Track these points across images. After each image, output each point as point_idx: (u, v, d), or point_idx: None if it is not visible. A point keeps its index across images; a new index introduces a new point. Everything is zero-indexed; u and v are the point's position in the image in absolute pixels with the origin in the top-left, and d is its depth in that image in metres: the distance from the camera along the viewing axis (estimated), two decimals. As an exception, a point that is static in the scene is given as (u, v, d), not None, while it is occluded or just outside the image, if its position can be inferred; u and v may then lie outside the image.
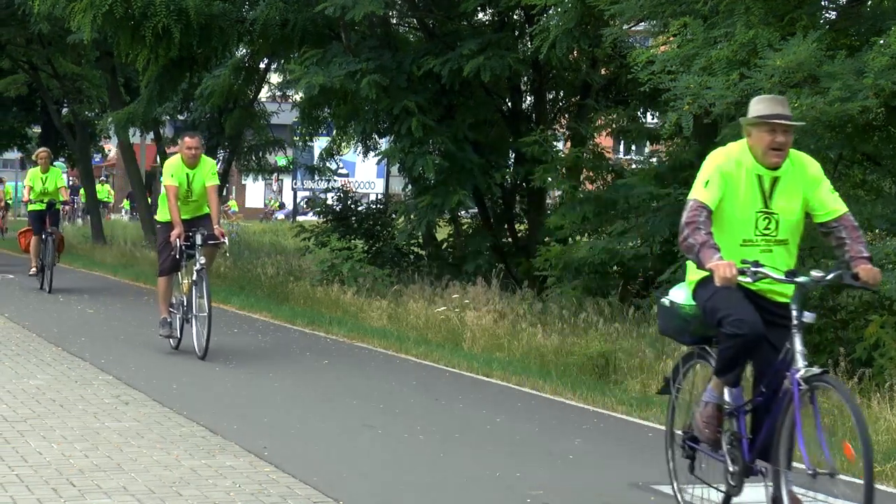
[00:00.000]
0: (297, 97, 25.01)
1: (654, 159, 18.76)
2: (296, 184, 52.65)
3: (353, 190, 28.18)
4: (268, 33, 20.74)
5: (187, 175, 13.59)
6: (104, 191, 57.69)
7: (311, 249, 22.94)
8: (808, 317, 6.31)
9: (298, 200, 56.47)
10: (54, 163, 21.56)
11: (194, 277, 13.23)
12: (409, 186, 21.76)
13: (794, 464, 6.58)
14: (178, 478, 7.63)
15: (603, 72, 20.78)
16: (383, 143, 23.16)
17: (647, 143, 21.79)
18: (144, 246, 28.38)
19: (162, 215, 13.83)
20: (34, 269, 20.28)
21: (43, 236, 19.77)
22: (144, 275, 22.08)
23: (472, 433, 9.47)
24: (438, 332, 15.35)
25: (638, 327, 13.86)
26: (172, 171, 13.61)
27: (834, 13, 13.87)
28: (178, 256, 13.45)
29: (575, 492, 7.66)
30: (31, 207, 20.32)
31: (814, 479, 6.27)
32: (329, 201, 24.30)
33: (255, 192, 73.80)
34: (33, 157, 21.38)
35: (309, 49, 20.17)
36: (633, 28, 16.64)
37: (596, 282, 16.46)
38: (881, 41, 11.01)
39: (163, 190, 13.94)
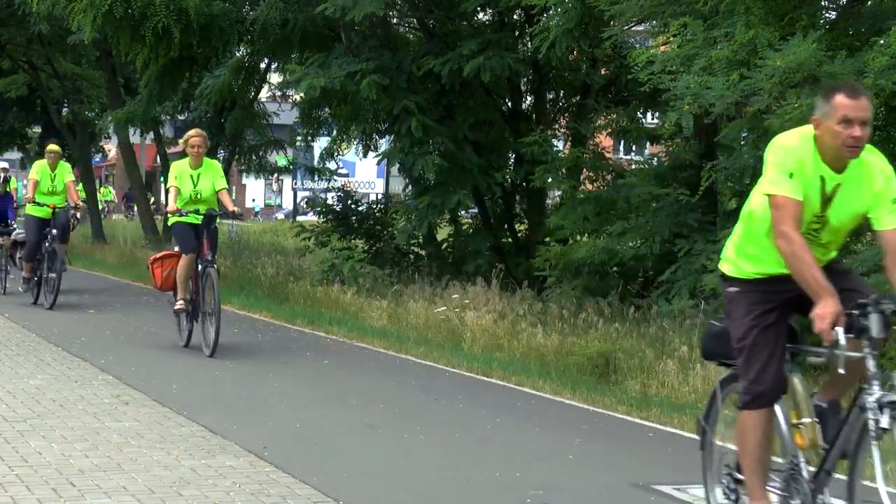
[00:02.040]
0: (298, 97, 25.01)
1: (655, 160, 18.77)
2: (296, 184, 52.66)
3: (354, 190, 28.15)
4: (268, 33, 20.75)
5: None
6: (108, 192, 57.77)
7: (312, 249, 22.94)
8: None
9: (299, 200, 56.48)
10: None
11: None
12: (409, 187, 21.76)
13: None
14: (178, 478, 7.63)
15: (603, 72, 20.78)
16: (383, 144, 23.16)
17: (647, 143, 21.79)
18: (145, 246, 28.38)
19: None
20: (180, 303, 13.79)
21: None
22: (145, 275, 22.01)
23: (472, 433, 9.47)
24: (438, 332, 15.35)
25: (638, 327, 13.87)
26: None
27: (834, 13, 13.87)
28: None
29: (575, 492, 7.67)
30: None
31: None
32: (329, 201, 24.30)
33: (255, 192, 73.83)
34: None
35: (311, 53, 20.20)
36: (633, 28, 16.65)
37: (596, 282, 16.46)
38: (881, 41, 11.01)
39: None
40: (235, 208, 13.80)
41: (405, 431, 9.42)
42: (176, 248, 13.80)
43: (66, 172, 18.00)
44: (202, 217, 13.43)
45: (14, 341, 13.95)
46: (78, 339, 14.18)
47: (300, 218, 45.74)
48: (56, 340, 14.02)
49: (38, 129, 43.24)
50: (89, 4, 19.92)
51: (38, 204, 17.31)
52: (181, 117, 33.31)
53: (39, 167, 17.82)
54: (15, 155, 45.07)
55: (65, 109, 38.97)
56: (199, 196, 13.49)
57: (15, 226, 18.84)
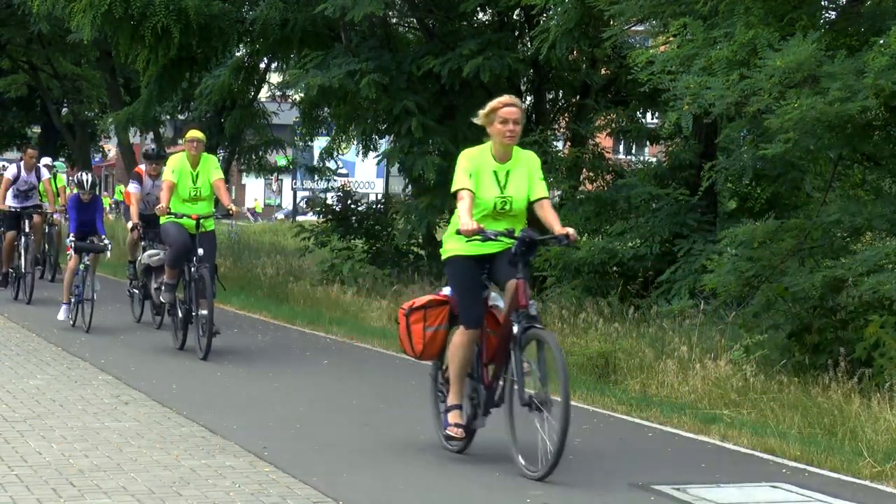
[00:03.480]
0: (297, 97, 25.02)
1: (654, 160, 18.78)
2: (295, 184, 52.67)
3: (353, 190, 28.15)
4: (267, 33, 20.75)
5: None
6: (118, 191, 57.80)
7: (311, 249, 22.94)
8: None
9: (298, 200, 56.49)
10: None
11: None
12: (409, 187, 21.75)
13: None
14: (178, 478, 7.63)
15: (603, 72, 20.78)
16: (383, 144, 23.16)
17: (647, 143, 21.80)
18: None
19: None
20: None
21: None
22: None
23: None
24: (438, 332, 15.32)
25: (638, 327, 13.86)
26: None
27: (834, 13, 13.87)
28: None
29: (575, 491, 7.66)
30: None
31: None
32: (329, 201, 24.30)
33: (254, 192, 73.85)
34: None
35: (309, 52, 20.18)
36: (632, 28, 16.65)
37: (595, 282, 16.47)
38: (881, 41, 11.01)
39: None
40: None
41: (405, 431, 9.42)
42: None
43: (212, 168, 13.40)
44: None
45: (14, 341, 13.95)
46: (77, 338, 14.18)
47: (300, 218, 45.78)
48: (56, 340, 14.03)
49: (37, 129, 43.29)
50: (89, 4, 19.93)
51: (177, 215, 13.09)
52: (181, 117, 33.31)
53: (177, 164, 13.32)
54: (15, 155, 45.06)
55: (64, 109, 39.00)
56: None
57: (106, 241, 15.59)
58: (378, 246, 22.39)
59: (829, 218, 12.16)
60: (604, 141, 21.37)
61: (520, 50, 19.95)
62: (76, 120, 37.69)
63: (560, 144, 21.64)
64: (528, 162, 8.35)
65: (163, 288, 13.66)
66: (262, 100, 32.62)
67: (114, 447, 8.46)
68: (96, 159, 54.00)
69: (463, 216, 8.04)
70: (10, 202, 18.67)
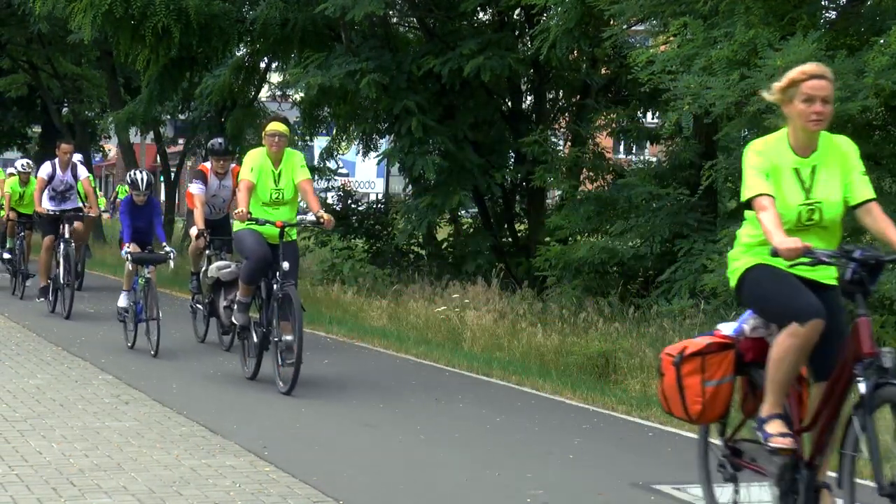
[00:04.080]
0: (298, 97, 25.02)
1: (655, 160, 18.78)
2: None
3: (354, 190, 28.15)
4: (268, 33, 20.76)
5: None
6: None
7: (312, 249, 22.94)
8: None
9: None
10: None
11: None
12: (410, 186, 21.76)
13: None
14: (179, 477, 7.63)
15: (603, 72, 20.78)
16: (383, 143, 23.16)
17: (647, 143, 21.80)
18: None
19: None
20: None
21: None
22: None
23: (471, 433, 9.47)
24: (438, 331, 15.35)
25: (638, 327, 13.86)
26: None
27: (834, 13, 13.88)
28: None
29: (575, 492, 7.66)
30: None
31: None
32: (329, 201, 24.30)
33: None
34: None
35: (311, 52, 20.18)
36: (633, 28, 16.66)
37: (596, 281, 16.47)
38: (881, 41, 11.02)
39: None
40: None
41: (405, 431, 9.42)
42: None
43: (297, 167, 11.30)
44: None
45: (14, 341, 13.95)
46: (78, 338, 14.18)
47: (300, 217, 45.73)
48: (56, 340, 14.03)
49: (38, 129, 43.27)
50: (89, 4, 19.94)
51: (257, 221, 11.07)
52: (181, 117, 33.32)
53: (255, 160, 11.18)
54: (16, 155, 45.09)
55: (65, 109, 38.99)
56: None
57: (167, 249, 13.40)
58: (378, 246, 22.40)
59: (829, 217, 12.15)
60: (604, 141, 21.37)
61: (520, 50, 19.95)
62: (76, 119, 37.68)
63: (560, 144, 21.65)
64: (841, 152, 6.10)
65: (235, 307, 11.57)
66: (263, 99, 32.60)
67: (114, 447, 8.46)
68: (97, 159, 54.00)
69: (774, 233, 5.69)
70: (47, 205, 16.87)
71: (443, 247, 21.67)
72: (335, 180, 28.63)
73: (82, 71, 37.16)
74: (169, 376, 11.68)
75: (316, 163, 29.21)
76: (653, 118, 22.74)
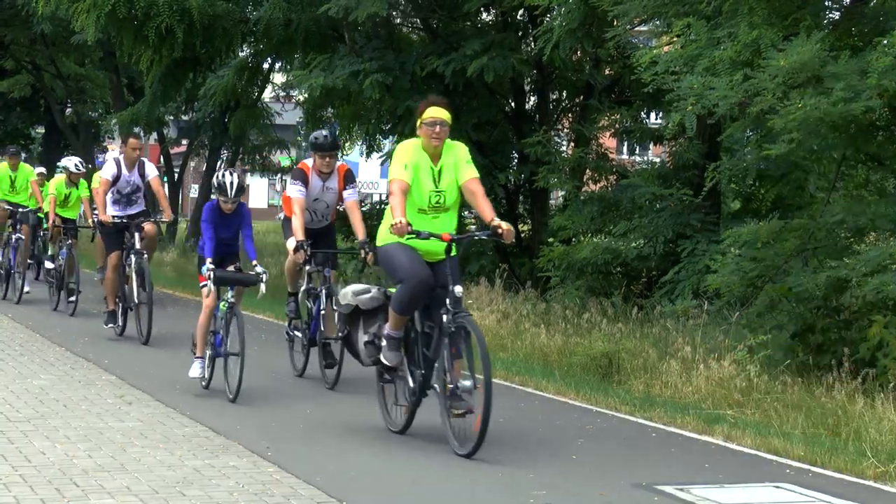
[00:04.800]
0: (301, 97, 25.03)
1: (658, 161, 18.78)
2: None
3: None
4: (271, 33, 20.75)
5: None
6: None
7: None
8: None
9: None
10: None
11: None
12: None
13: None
14: (182, 478, 7.63)
15: (606, 72, 20.77)
16: (387, 144, 23.17)
17: (651, 143, 21.78)
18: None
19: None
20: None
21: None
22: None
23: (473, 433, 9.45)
24: (441, 332, 15.33)
25: (641, 327, 13.86)
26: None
27: (837, 13, 13.87)
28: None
29: (578, 492, 7.66)
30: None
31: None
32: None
33: (258, 192, 73.82)
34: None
35: (314, 53, 20.18)
36: (636, 28, 16.65)
37: (599, 282, 16.46)
38: (885, 41, 11.00)
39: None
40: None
41: (407, 431, 9.41)
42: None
43: (461, 162, 9.00)
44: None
45: (18, 341, 13.96)
46: (81, 339, 14.18)
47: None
48: (59, 341, 14.03)
49: (41, 130, 43.33)
50: (92, 5, 19.93)
51: (419, 234, 8.65)
52: (184, 118, 33.35)
53: (409, 154, 8.86)
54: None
55: (68, 110, 39.04)
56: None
57: (259, 269, 10.62)
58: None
59: (832, 218, 12.17)
60: (607, 141, 21.35)
61: (523, 50, 19.95)
62: (80, 120, 37.73)
63: (564, 145, 21.64)
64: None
65: (384, 343, 9.01)
66: (266, 100, 32.64)
67: (117, 447, 8.47)
68: (99, 159, 54.09)
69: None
70: (111, 209, 14.40)
71: (446, 247, 21.65)
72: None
73: (86, 72, 37.20)
74: (172, 376, 11.68)
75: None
76: (656, 119, 22.72)
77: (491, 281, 17.06)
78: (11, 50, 36.15)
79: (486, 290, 16.57)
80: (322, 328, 11.50)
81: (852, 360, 10.93)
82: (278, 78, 31.09)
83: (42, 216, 18.91)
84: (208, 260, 10.57)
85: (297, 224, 11.18)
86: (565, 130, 22.05)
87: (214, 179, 10.91)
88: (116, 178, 14.32)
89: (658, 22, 14.76)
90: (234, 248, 11.11)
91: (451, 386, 8.63)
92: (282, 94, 32.40)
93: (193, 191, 43.59)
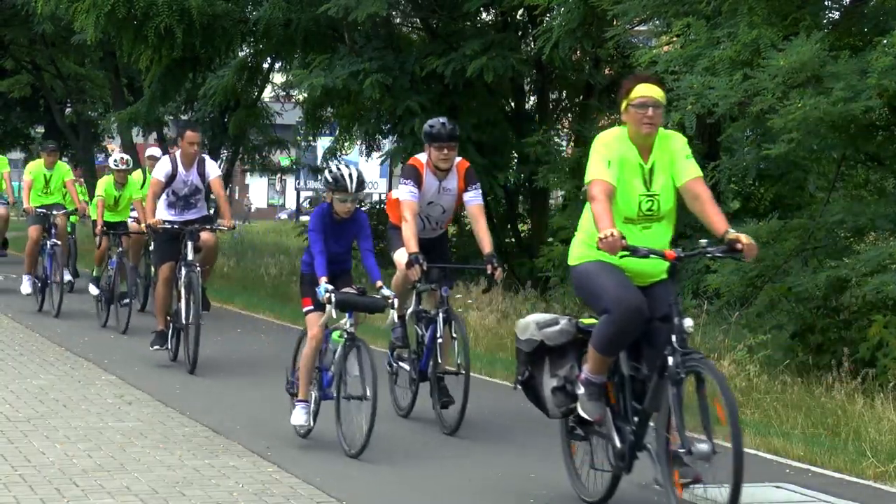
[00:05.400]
0: (301, 97, 25.03)
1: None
2: (299, 184, 52.72)
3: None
4: (271, 33, 20.76)
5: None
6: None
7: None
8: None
9: (301, 200, 56.53)
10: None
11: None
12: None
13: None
14: (182, 478, 7.63)
15: (606, 72, 20.78)
16: (386, 144, 23.17)
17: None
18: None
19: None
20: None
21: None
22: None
23: (475, 433, 9.46)
24: (441, 332, 15.32)
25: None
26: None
27: (837, 13, 13.87)
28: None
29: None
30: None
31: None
32: (332, 201, 24.30)
33: (258, 192, 73.85)
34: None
35: (314, 54, 20.18)
36: (636, 28, 16.65)
37: (598, 282, 16.43)
38: (885, 41, 11.00)
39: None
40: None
41: (408, 431, 9.41)
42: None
43: (678, 157, 6.79)
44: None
45: (17, 341, 13.95)
46: (81, 339, 14.18)
47: (304, 218, 45.81)
48: (59, 340, 14.03)
49: (41, 130, 43.31)
50: (92, 4, 19.93)
51: (635, 251, 6.88)
52: (184, 117, 33.35)
53: (612, 147, 6.99)
54: (18, 155, 45.15)
55: (68, 110, 39.03)
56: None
57: (386, 292, 8.77)
58: (381, 245, 22.36)
59: (832, 218, 12.16)
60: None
61: (523, 50, 19.96)
62: (80, 120, 37.71)
63: (563, 145, 21.65)
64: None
65: (581, 391, 7.20)
66: (266, 100, 32.65)
67: (117, 447, 8.47)
68: (99, 159, 54.08)
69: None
70: (165, 214, 12.52)
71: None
72: (338, 180, 28.65)
73: (85, 71, 37.18)
74: (172, 377, 11.68)
75: (319, 163, 29.36)
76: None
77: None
78: (11, 50, 36.13)
79: (485, 290, 16.57)
80: (438, 360, 9.51)
81: (852, 359, 10.93)
82: (278, 78, 31.08)
83: (76, 219, 18.24)
84: (323, 279, 8.44)
85: (409, 233, 9.30)
86: (565, 130, 22.07)
87: (327, 174, 8.76)
88: (171, 179, 12.42)
89: (658, 21, 14.75)
90: (347, 264, 9.04)
91: (677, 448, 6.71)
92: (281, 94, 32.38)
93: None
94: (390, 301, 8.65)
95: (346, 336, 8.56)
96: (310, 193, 52.13)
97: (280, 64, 26.22)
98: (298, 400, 8.88)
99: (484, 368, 12.87)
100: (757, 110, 11.52)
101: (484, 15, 21.30)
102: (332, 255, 8.65)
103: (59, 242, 16.59)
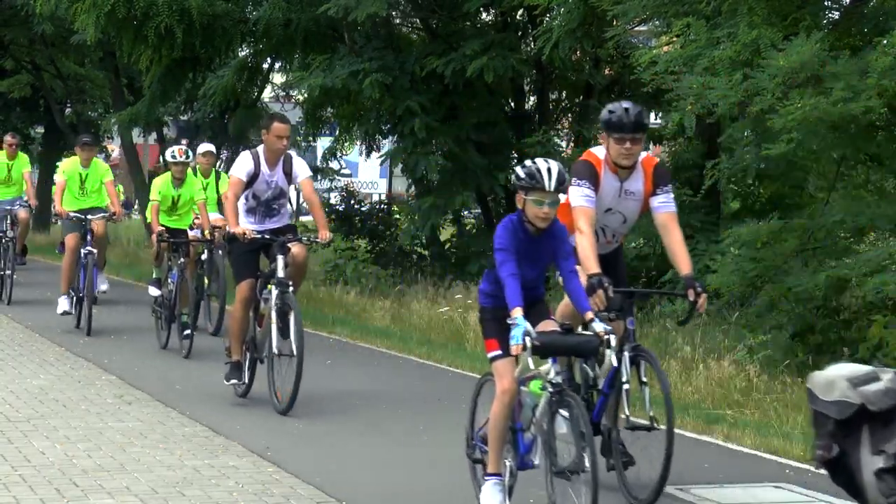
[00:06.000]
0: (301, 97, 25.04)
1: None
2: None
3: (357, 190, 28.17)
4: (271, 33, 20.75)
5: None
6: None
7: (314, 249, 22.93)
8: None
9: (301, 201, 56.47)
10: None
11: None
12: (413, 187, 21.77)
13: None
14: (182, 478, 7.63)
15: (606, 72, 20.78)
16: (386, 144, 23.18)
17: (651, 143, 21.79)
18: (147, 246, 28.34)
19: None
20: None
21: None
22: (147, 275, 22.04)
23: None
24: (441, 332, 15.35)
25: (641, 327, 13.83)
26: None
27: (837, 13, 13.87)
28: None
29: (578, 492, 7.64)
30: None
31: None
32: (332, 201, 24.30)
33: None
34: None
35: (314, 54, 20.19)
36: (635, 28, 16.65)
37: (599, 282, 16.42)
38: (884, 41, 11.01)
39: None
40: None
41: (408, 432, 9.42)
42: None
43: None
44: None
45: (17, 341, 13.95)
46: (81, 338, 14.17)
47: (303, 218, 45.79)
48: (59, 340, 14.02)
49: (41, 130, 43.30)
50: (92, 5, 19.93)
51: None
52: (184, 118, 33.36)
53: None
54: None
55: (68, 110, 39.02)
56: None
57: (600, 326, 6.50)
58: (381, 246, 22.39)
59: (832, 218, 12.17)
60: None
61: (523, 50, 19.96)
62: (80, 120, 37.69)
63: (563, 145, 21.64)
64: None
65: None
66: (266, 100, 32.65)
67: (117, 447, 8.47)
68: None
69: None
70: (247, 222, 10.33)
71: (446, 247, 21.66)
72: (338, 181, 28.69)
73: (85, 71, 37.17)
74: (172, 377, 11.68)
75: (319, 163, 29.36)
76: (656, 119, 22.73)
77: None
78: (11, 50, 36.11)
79: (485, 290, 16.57)
80: (624, 410, 7.42)
81: (852, 360, 10.93)
82: (278, 78, 31.08)
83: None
84: (517, 311, 6.30)
85: (588, 249, 7.34)
86: (565, 130, 22.06)
87: (518, 170, 6.68)
88: (253, 178, 10.31)
89: (657, 22, 14.76)
90: (539, 291, 6.89)
91: None
92: (281, 94, 32.38)
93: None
94: (605, 339, 6.41)
95: (550, 389, 6.46)
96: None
97: (280, 64, 26.20)
98: (489, 474, 6.84)
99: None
100: (757, 110, 11.52)
101: (484, 15, 21.29)
102: (524, 281, 6.58)
103: (94, 251, 14.77)
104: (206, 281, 14.39)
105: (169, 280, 13.65)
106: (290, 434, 9.18)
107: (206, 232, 13.97)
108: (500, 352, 6.63)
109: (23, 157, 18.63)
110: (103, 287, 15.86)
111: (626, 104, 7.62)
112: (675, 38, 13.16)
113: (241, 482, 7.56)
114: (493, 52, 18.54)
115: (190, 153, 14.51)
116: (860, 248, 12.84)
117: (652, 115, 22.17)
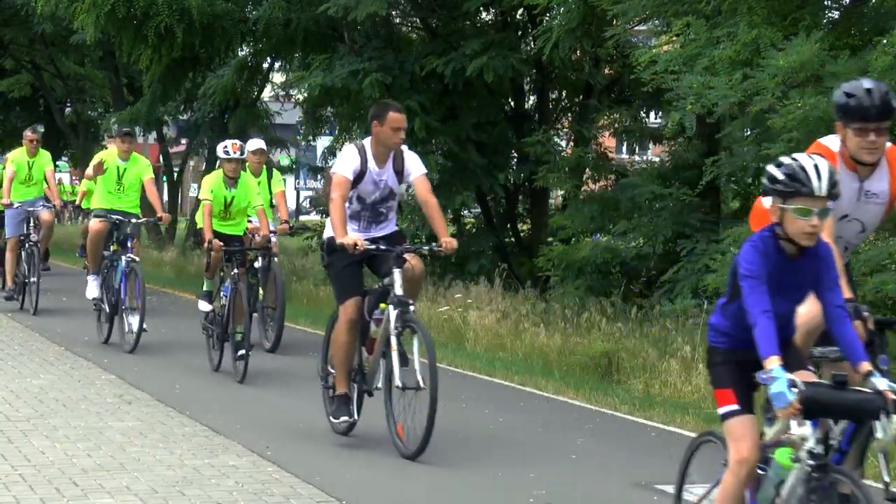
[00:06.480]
0: (301, 97, 25.05)
1: (658, 160, 18.80)
2: (299, 183, 52.67)
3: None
4: (270, 33, 20.77)
5: None
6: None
7: (315, 249, 22.93)
8: None
9: (301, 200, 56.50)
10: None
11: None
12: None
13: None
14: (182, 477, 7.63)
15: (606, 72, 20.79)
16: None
17: (651, 142, 21.81)
18: (148, 246, 28.36)
19: None
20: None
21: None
22: (147, 275, 22.02)
23: (474, 432, 9.47)
24: (441, 331, 15.35)
25: (641, 327, 13.86)
26: None
27: (837, 13, 13.88)
28: None
29: (578, 492, 7.66)
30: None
31: None
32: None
33: (258, 191, 73.75)
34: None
35: (314, 54, 20.19)
36: (635, 28, 16.66)
37: (598, 281, 16.45)
38: (884, 41, 11.01)
39: None
40: None
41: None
42: None
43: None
44: None
45: (17, 341, 13.95)
46: (81, 338, 14.17)
47: (303, 217, 45.80)
48: (59, 340, 14.02)
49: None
50: (92, 4, 19.95)
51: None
52: (184, 117, 33.37)
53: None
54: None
55: (68, 109, 39.04)
56: None
57: (781, 375, 4.83)
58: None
59: (832, 218, 12.16)
60: (607, 141, 21.36)
61: (523, 50, 19.96)
62: (79, 120, 37.73)
63: (563, 144, 21.65)
64: None
65: None
66: (266, 99, 32.65)
67: (117, 447, 8.47)
68: (99, 159, 54.20)
69: None
70: (350, 229, 8.83)
71: (446, 247, 21.68)
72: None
73: (85, 71, 37.22)
74: (172, 376, 11.68)
75: (319, 162, 29.35)
76: (656, 118, 22.74)
77: (490, 280, 17.06)
78: (11, 50, 36.14)
79: (485, 290, 16.58)
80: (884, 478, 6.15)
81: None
82: (278, 78, 31.08)
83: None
84: (773, 362, 4.86)
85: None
86: (565, 130, 22.07)
87: (772, 170, 5.11)
88: (359, 177, 8.99)
89: (657, 21, 14.77)
90: (791, 329, 5.34)
91: None
92: (281, 93, 32.38)
93: (193, 190, 43.58)
94: (892, 400, 4.87)
95: (807, 462, 4.92)
96: (310, 193, 52.10)
97: (280, 64, 26.22)
98: None
99: (484, 368, 12.88)
100: (757, 110, 11.53)
101: (484, 15, 21.29)
102: (778, 319, 5.01)
103: (137, 259, 13.46)
104: (260, 292, 13.11)
105: (221, 294, 12.00)
106: (290, 434, 9.18)
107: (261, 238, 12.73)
108: (737, 406, 5.18)
109: (45, 155, 17.01)
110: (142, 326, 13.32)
111: (867, 83, 6.04)
112: (674, 38, 13.16)
113: (241, 482, 7.56)
114: (493, 52, 18.55)
115: (245, 149, 12.74)
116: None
117: (652, 114, 22.21)
